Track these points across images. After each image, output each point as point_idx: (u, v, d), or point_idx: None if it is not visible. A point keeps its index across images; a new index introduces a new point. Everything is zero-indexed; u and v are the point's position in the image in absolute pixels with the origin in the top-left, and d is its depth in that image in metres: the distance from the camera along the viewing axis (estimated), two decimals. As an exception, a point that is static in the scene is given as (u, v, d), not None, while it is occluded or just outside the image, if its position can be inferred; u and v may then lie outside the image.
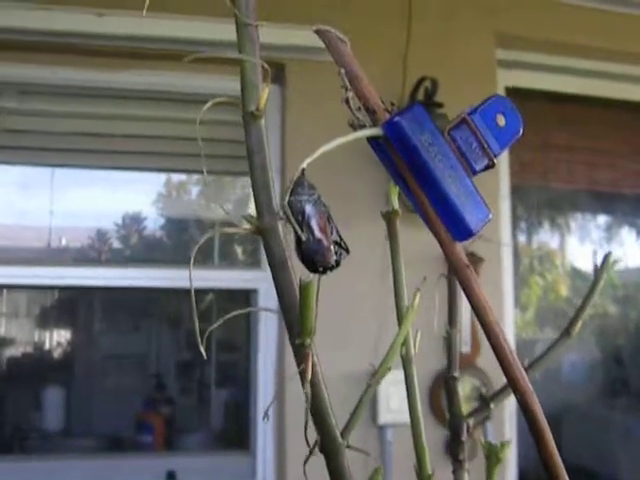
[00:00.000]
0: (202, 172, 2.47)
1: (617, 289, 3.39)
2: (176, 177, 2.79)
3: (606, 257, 0.68)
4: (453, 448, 0.63)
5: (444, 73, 2.31)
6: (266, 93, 0.42)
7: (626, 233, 3.53)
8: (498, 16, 2.52)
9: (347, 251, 0.43)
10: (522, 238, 3.29)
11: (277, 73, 2.32)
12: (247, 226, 0.42)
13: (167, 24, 2.15)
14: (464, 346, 2.31)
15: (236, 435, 2.80)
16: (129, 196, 2.62)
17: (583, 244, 3.50)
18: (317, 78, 2.22)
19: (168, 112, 2.35)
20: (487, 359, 2.33)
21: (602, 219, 3.52)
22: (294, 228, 0.40)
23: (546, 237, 3.45)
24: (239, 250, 2.93)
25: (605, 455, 3.23)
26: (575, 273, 3.46)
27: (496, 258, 2.41)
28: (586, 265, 3.46)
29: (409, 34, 2.35)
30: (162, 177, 2.71)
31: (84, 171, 2.48)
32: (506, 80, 2.58)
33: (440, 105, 2.27)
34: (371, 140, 0.43)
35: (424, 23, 2.39)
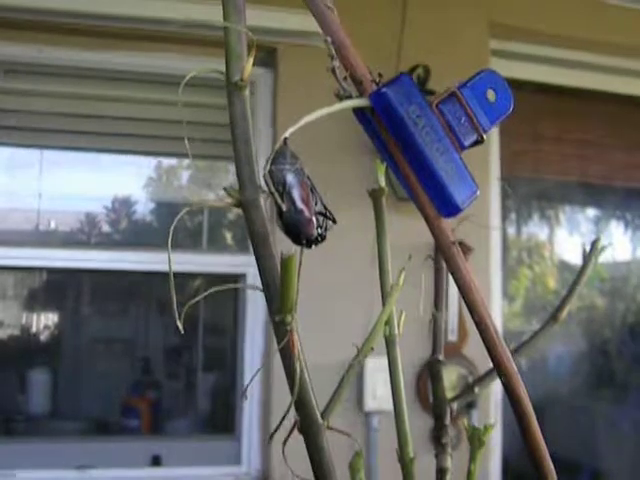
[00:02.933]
0: (194, 156, 2.46)
1: (605, 282, 3.39)
2: (166, 161, 2.77)
3: (594, 243, 0.67)
4: (436, 432, 0.63)
5: (437, 61, 2.30)
6: (250, 63, 0.41)
7: (615, 226, 3.53)
8: (493, 6, 2.51)
9: (333, 221, 0.42)
10: (511, 229, 3.28)
11: (268, 57, 2.31)
12: (228, 199, 0.41)
13: (158, 4, 2.13)
14: (450, 334, 2.31)
15: (222, 419, 2.80)
16: (119, 179, 2.60)
17: (572, 236, 3.50)
18: (309, 62, 2.21)
19: (158, 94, 2.33)
20: (474, 348, 2.33)
21: (591, 212, 3.51)
22: (275, 198, 0.39)
23: (535, 229, 3.45)
24: (228, 235, 2.92)
25: (588, 445, 3.25)
26: (563, 265, 3.46)
27: (485, 248, 2.41)
28: (574, 257, 3.46)
29: (403, 22, 2.34)
30: (152, 160, 2.69)
31: (73, 153, 2.46)
32: (499, 70, 2.54)
33: (432, 93, 2.26)
34: (357, 111, 0.42)
35: (419, 11, 2.38)
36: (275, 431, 0.41)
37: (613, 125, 2.88)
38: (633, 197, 3.25)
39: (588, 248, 0.68)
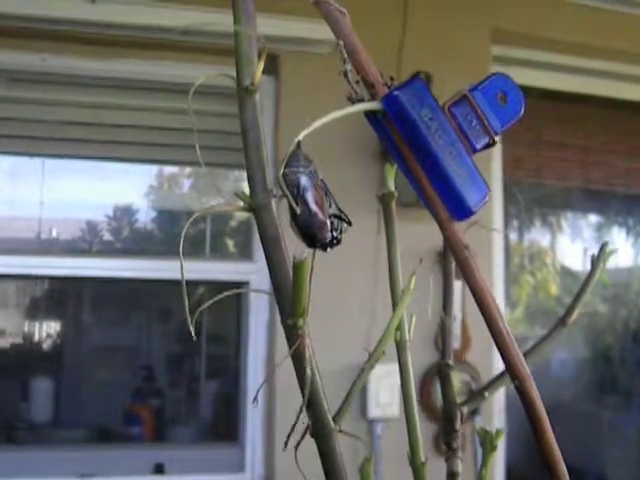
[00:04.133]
0: (195, 164, 2.46)
1: (607, 288, 3.39)
2: (168, 168, 2.78)
3: (602, 247, 0.67)
4: (446, 436, 0.63)
5: (439, 68, 2.30)
6: (261, 67, 0.41)
7: (617, 232, 3.53)
8: (494, 12, 2.52)
9: (349, 223, 0.42)
10: (513, 235, 3.28)
11: (271, 64, 2.31)
12: (240, 204, 0.41)
13: (160, 12, 2.13)
14: (454, 341, 2.30)
15: (225, 427, 2.79)
16: (121, 187, 2.60)
17: (574, 242, 3.50)
18: (311, 70, 2.22)
19: (161, 102, 2.33)
20: (477, 355, 2.33)
21: (593, 218, 3.51)
22: (289, 201, 0.39)
23: (537, 234, 3.45)
24: (230, 242, 2.92)
25: (592, 452, 3.24)
26: (565, 271, 3.45)
27: (487, 254, 2.40)
28: (576, 263, 3.46)
29: (404, 28, 2.34)
30: (154, 168, 2.69)
31: (75, 161, 2.46)
32: (501, 76, 2.57)
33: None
34: (369, 115, 0.42)
35: (420, 18, 2.38)
36: (290, 435, 0.41)
37: (615, 131, 2.88)
38: (635, 203, 3.24)
39: (595, 253, 0.68)
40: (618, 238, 3.47)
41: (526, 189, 3.02)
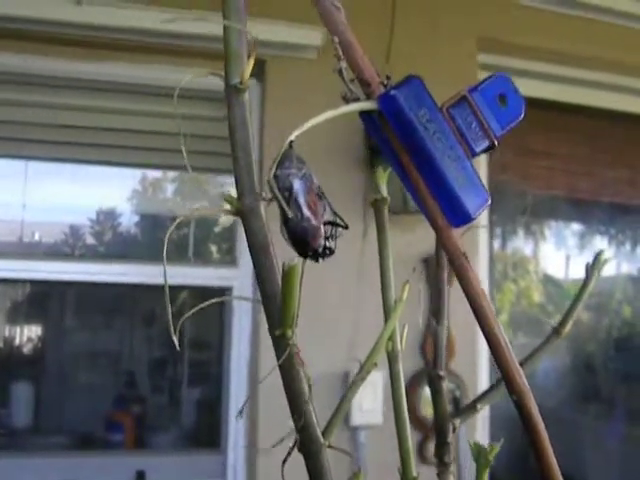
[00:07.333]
0: (180, 168, 2.44)
1: (590, 297, 3.39)
2: (153, 173, 2.75)
3: (597, 256, 0.66)
4: (438, 450, 0.61)
5: (425, 75, 2.27)
6: (251, 65, 0.39)
7: (599, 241, 3.54)
8: (481, 20, 2.52)
9: (345, 227, 0.40)
10: (497, 244, 3.28)
11: (258, 69, 2.30)
12: (227, 208, 0.39)
13: (146, 15, 2.11)
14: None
15: (207, 434, 2.77)
16: (104, 191, 2.57)
17: (557, 250, 3.50)
18: (297, 74, 2.21)
19: (145, 106, 2.31)
20: (461, 363, 2.32)
21: (576, 226, 3.52)
22: (280, 205, 0.37)
23: (520, 243, 3.45)
24: (214, 248, 2.90)
25: (576, 460, 3.24)
26: (548, 279, 3.46)
27: (473, 263, 2.40)
28: (559, 271, 3.47)
29: (391, 35, 2.34)
30: (138, 172, 2.67)
31: (58, 164, 2.43)
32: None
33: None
34: (364, 115, 0.40)
35: (407, 25, 2.38)
36: (287, 457, 0.39)
37: (600, 140, 2.89)
38: (618, 212, 3.25)
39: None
40: (600, 247, 3.47)
41: (510, 196, 3.02)
